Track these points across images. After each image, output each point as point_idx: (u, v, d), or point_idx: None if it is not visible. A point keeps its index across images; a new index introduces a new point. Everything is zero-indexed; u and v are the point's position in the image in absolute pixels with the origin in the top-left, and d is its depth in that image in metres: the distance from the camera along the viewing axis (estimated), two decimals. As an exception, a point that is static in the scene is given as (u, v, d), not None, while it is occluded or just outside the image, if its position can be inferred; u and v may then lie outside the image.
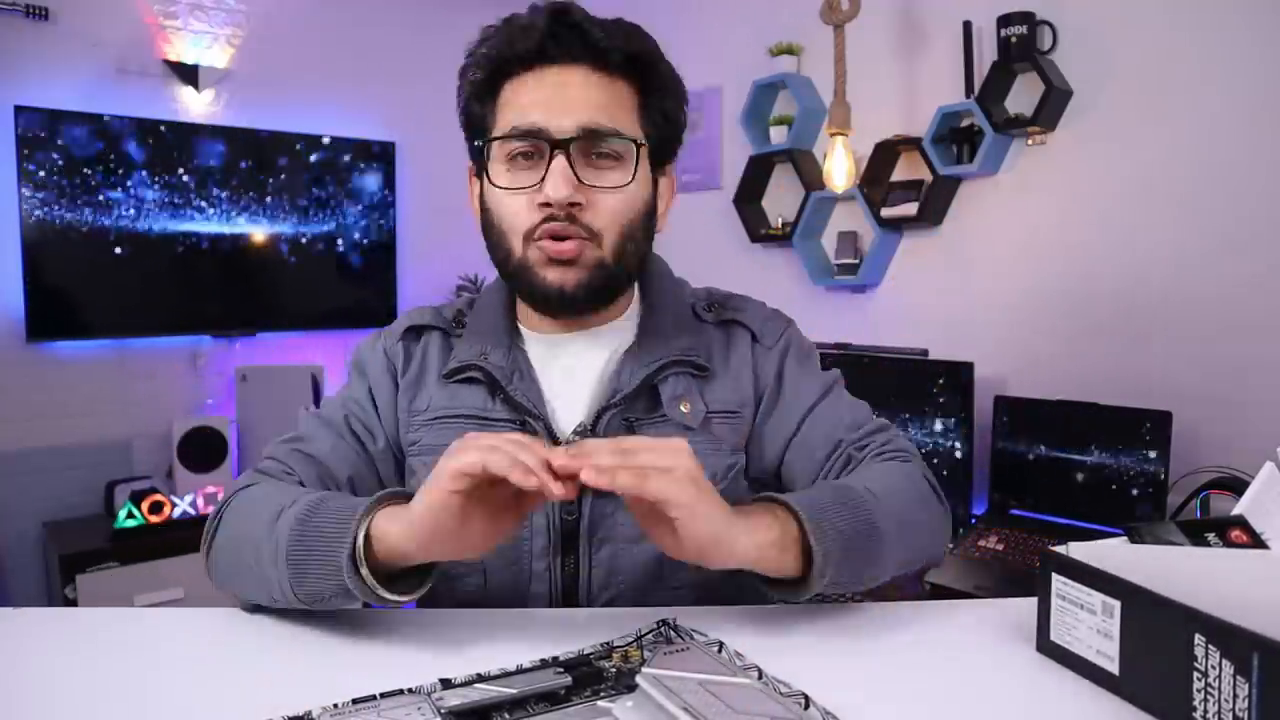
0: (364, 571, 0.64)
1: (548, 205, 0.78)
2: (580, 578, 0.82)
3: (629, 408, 0.83)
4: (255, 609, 0.74)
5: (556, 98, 0.79)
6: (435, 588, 0.86)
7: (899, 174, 2.47)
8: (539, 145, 0.79)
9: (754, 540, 0.64)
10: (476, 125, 0.85)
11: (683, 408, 0.84)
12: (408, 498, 0.66)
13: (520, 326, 0.90)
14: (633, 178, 0.81)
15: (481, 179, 0.85)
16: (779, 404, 0.89)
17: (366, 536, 0.65)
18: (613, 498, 0.82)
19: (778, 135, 2.67)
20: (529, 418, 0.83)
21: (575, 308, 0.83)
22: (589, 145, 0.79)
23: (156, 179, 2.81)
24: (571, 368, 0.87)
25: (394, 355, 0.90)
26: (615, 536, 0.82)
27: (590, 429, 0.83)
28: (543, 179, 0.78)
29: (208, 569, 0.78)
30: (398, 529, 0.64)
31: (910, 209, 2.37)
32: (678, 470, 0.60)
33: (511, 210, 0.81)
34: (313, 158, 3.13)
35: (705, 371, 0.86)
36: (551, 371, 0.87)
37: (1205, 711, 0.51)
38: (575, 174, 0.78)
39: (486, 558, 0.82)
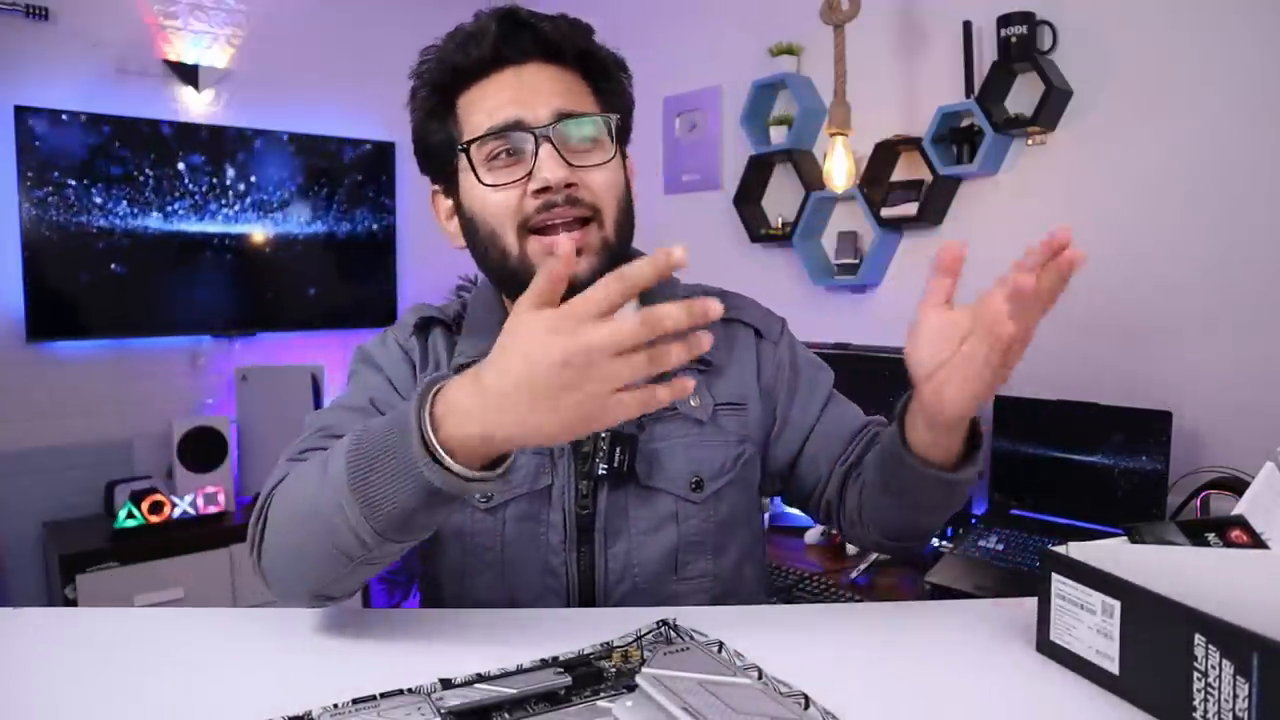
0: (437, 451, 0.58)
1: (543, 191, 0.78)
2: (596, 571, 0.83)
3: None
4: (324, 599, 0.70)
5: (523, 92, 0.80)
6: (448, 585, 0.85)
7: (899, 174, 2.47)
8: (520, 140, 0.79)
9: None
10: (436, 144, 0.86)
11: (692, 402, 0.87)
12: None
13: None
14: (614, 153, 0.83)
15: (456, 188, 0.85)
16: (798, 391, 0.93)
17: (432, 421, 0.59)
18: (627, 492, 0.84)
19: (778, 135, 2.66)
20: None
21: None
22: (567, 131, 0.80)
23: (156, 179, 2.81)
24: None
25: (409, 349, 0.91)
26: (630, 530, 0.84)
27: None
28: (530, 171, 0.78)
29: (263, 573, 0.71)
30: (467, 400, 0.59)
31: (910, 209, 2.36)
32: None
33: (503, 205, 0.80)
34: (313, 158, 3.13)
35: (710, 367, 0.89)
36: None
37: (1205, 711, 0.51)
38: (563, 158, 0.79)
39: (505, 554, 0.83)
